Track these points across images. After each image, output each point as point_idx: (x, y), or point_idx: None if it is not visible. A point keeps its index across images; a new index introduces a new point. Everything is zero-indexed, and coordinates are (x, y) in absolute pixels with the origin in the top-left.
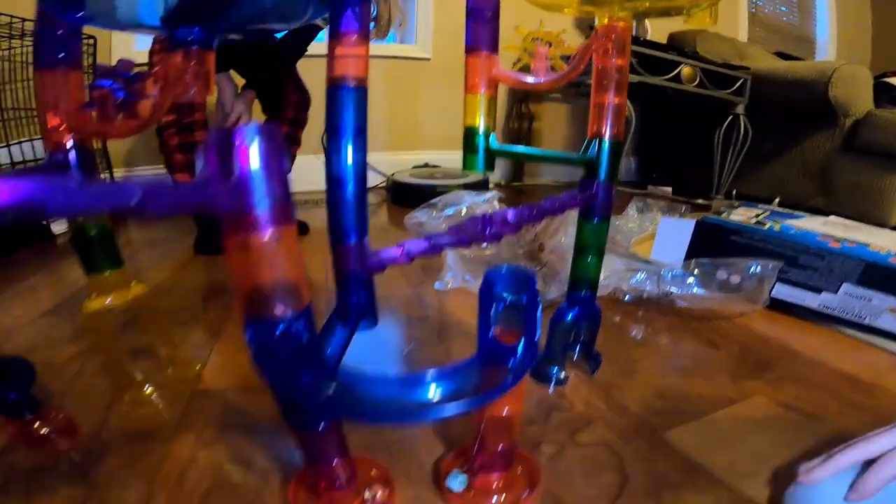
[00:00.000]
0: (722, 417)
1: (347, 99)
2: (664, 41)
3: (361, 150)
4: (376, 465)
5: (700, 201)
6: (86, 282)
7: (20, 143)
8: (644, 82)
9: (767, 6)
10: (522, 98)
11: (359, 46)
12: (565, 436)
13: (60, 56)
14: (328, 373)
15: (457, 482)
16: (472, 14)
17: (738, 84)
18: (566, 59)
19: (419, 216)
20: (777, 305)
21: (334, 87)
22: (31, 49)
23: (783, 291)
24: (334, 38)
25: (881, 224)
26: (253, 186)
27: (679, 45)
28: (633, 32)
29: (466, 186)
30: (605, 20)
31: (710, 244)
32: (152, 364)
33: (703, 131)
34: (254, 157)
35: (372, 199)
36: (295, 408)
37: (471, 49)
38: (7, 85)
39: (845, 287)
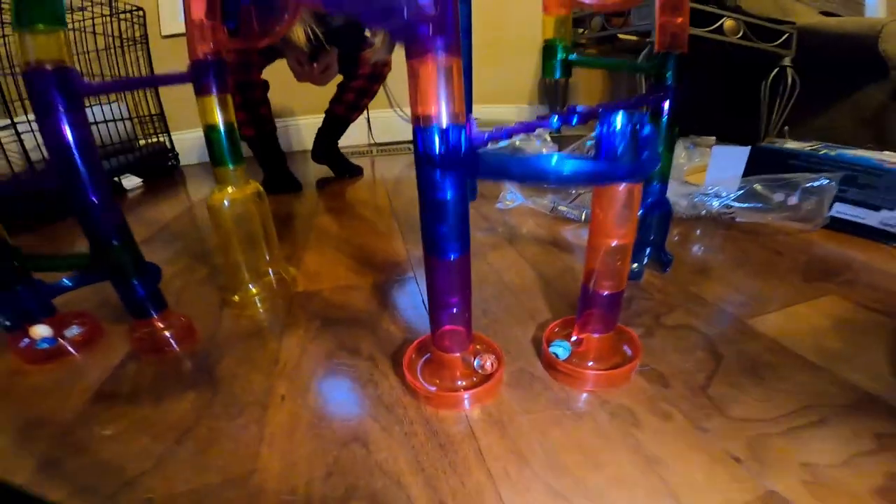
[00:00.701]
0: (802, 311)
1: None
2: None
3: None
4: (484, 339)
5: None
6: (166, 219)
7: (101, 104)
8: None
9: None
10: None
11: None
12: (650, 319)
13: None
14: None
15: (561, 349)
16: None
17: (784, 37)
18: None
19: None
20: (836, 225)
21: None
22: (97, 20)
23: (842, 210)
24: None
25: None
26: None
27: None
28: None
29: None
30: None
31: (767, 170)
32: (256, 264)
33: (749, 82)
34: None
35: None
36: (437, 224)
37: None
38: (81, 55)
39: None
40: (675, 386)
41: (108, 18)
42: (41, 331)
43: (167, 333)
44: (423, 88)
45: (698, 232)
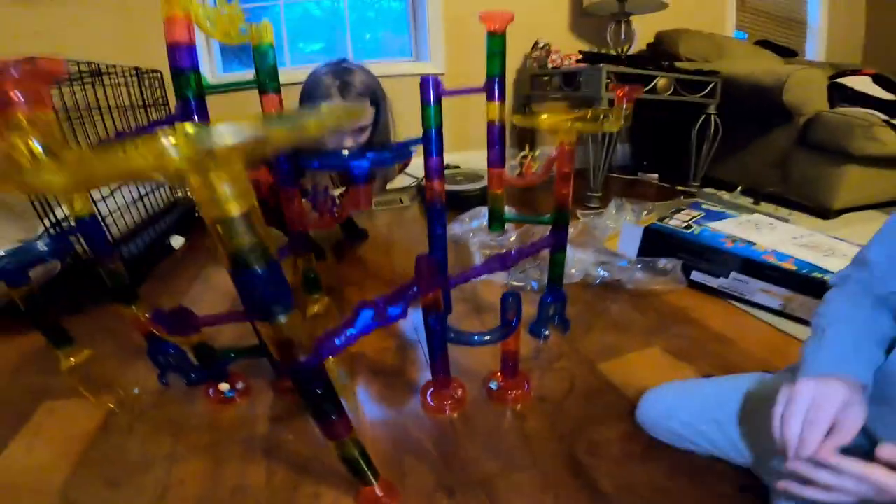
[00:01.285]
0: (632, 358)
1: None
2: (652, 39)
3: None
4: (456, 380)
5: (679, 187)
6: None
7: None
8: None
9: None
10: (526, 101)
11: None
12: (546, 365)
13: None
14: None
15: (494, 385)
16: (490, 145)
17: (709, 87)
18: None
19: (454, 228)
20: (694, 285)
21: None
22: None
23: (697, 275)
24: None
25: (826, 209)
26: None
27: (665, 44)
28: (622, 37)
29: (483, 190)
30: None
31: (654, 242)
32: None
33: (682, 127)
34: None
35: (406, 198)
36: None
37: (491, 166)
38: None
39: (733, 274)
40: (548, 401)
41: (131, 80)
42: (224, 387)
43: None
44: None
45: (600, 293)
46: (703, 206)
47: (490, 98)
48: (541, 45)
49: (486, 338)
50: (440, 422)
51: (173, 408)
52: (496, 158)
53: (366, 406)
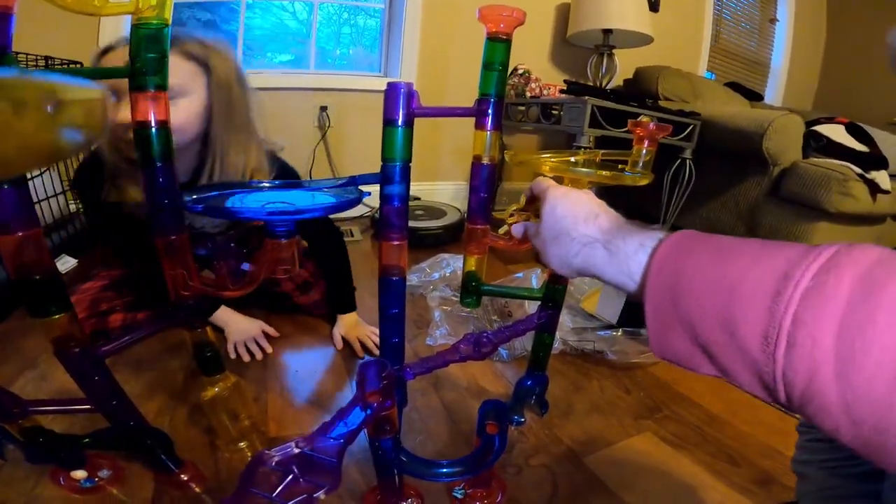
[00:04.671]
0: (622, 448)
1: None
2: (630, 74)
3: None
4: (413, 487)
5: None
6: None
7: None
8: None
9: (731, 34)
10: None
11: None
12: (522, 460)
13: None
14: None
15: (459, 493)
16: (472, 191)
17: (688, 130)
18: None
19: (412, 279)
20: None
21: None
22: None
23: None
24: None
25: None
26: None
27: (644, 80)
28: (603, 70)
29: (446, 228)
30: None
31: (637, 307)
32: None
33: (655, 172)
34: None
35: (357, 230)
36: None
37: (471, 222)
38: None
39: None
40: None
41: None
42: (80, 475)
43: (184, 477)
44: None
45: (581, 366)
46: None
47: (480, 125)
48: (520, 71)
49: (457, 469)
50: None
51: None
52: (480, 210)
53: None
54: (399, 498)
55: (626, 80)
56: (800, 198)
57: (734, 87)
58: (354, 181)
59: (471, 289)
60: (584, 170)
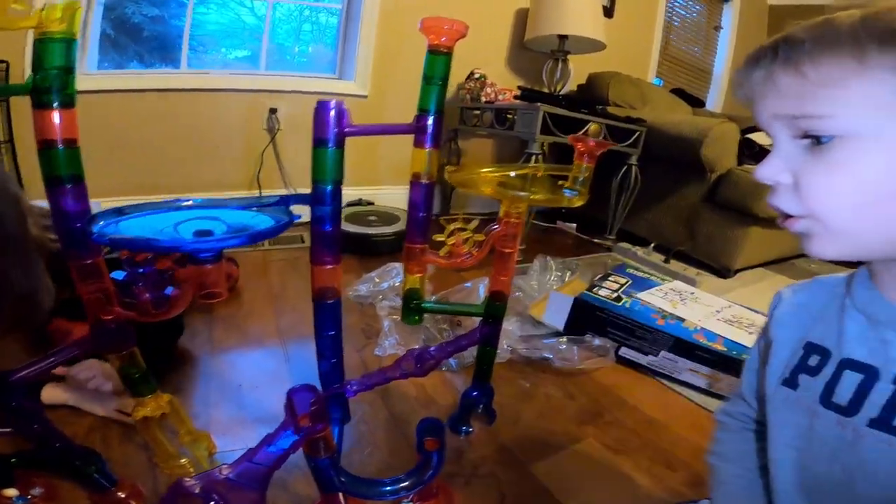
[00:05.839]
0: (566, 454)
1: None
2: (583, 80)
3: None
4: (361, 500)
5: (597, 240)
6: None
7: None
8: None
9: (679, 41)
10: (452, 135)
11: None
12: (470, 470)
13: None
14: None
15: None
16: (411, 209)
17: (634, 136)
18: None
19: (360, 289)
20: (623, 361)
21: None
22: None
23: (627, 352)
24: None
25: (727, 269)
26: None
27: (596, 86)
28: (557, 75)
29: (397, 235)
30: (504, 211)
31: (583, 314)
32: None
33: (603, 177)
34: None
35: (308, 236)
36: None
37: (409, 241)
38: None
39: (662, 353)
40: None
41: None
42: (11, 493)
43: (121, 495)
44: None
45: (527, 373)
46: (629, 271)
47: (419, 143)
48: (476, 75)
49: (403, 484)
50: None
51: None
52: (418, 229)
53: None
54: None
55: (579, 86)
56: (733, 204)
57: (679, 93)
58: (285, 201)
59: (412, 306)
60: (521, 193)
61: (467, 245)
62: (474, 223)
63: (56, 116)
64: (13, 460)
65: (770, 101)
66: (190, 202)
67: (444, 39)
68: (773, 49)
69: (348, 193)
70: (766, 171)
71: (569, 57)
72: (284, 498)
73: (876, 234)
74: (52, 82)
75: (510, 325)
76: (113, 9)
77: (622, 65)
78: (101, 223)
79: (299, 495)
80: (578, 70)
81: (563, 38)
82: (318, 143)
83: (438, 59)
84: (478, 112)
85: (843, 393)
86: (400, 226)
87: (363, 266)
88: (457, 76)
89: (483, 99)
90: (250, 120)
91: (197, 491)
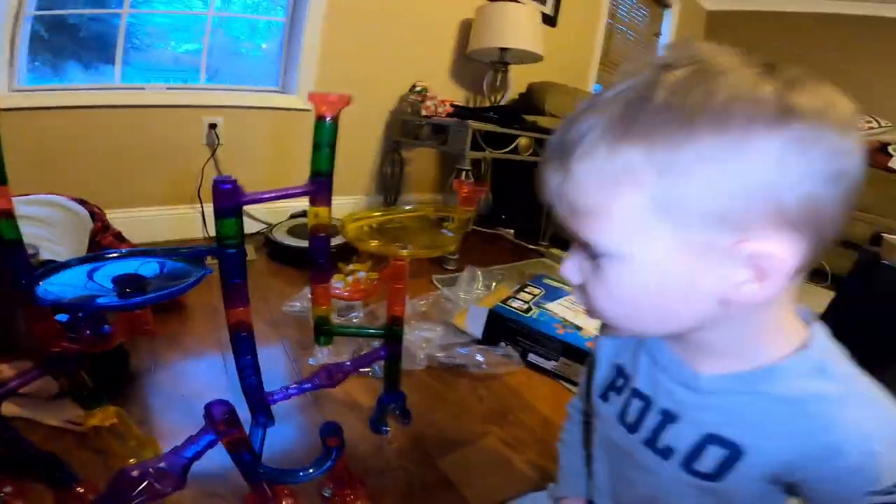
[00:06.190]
0: (470, 451)
1: None
2: (524, 88)
3: None
4: (288, 489)
5: (532, 246)
6: None
7: None
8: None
9: (619, 48)
10: (395, 146)
11: None
12: (384, 464)
13: None
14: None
15: (328, 492)
16: (313, 257)
17: None
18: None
19: (296, 305)
20: (531, 366)
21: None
22: None
23: (534, 358)
24: None
25: None
26: None
27: (534, 95)
28: (497, 85)
29: (336, 248)
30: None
31: (497, 324)
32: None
33: (536, 185)
34: None
35: (251, 249)
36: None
37: (314, 282)
38: None
39: (562, 358)
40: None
41: None
42: None
43: (80, 490)
44: None
45: (444, 377)
46: (545, 282)
47: (315, 202)
48: (418, 88)
49: (310, 471)
50: None
51: None
52: (320, 273)
53: None
54: (274, 500)
55: (521, 94)
56: None
57: None
58: (197, 253)
59: (322, 331)
60: (403, 252)
61: (363, 282)
62: (368, 263)
63: None
64: None
65: (559, 208)
66: (115, 254)
67: (329, 110)
68: (556, 156)
69: (293, 205)
70: (565, 271)
71: (511, 66)
72: (224, 489)
73: (651, 324)
74: None
75: (433, 334)
76: (48, 9)
77: (564, 71)
78: (44, 284)
79: (238, 486)
80: (521, 78)
81: (503, 49)
82: (219, 213)
83: (325, 126)
84: (418, 124)
85: (631, 414)
86: (339, 239)
87: (303, 278)
88: (400, 87)
89: (423, 112)
90: (189, 135)
91: (135, 474)
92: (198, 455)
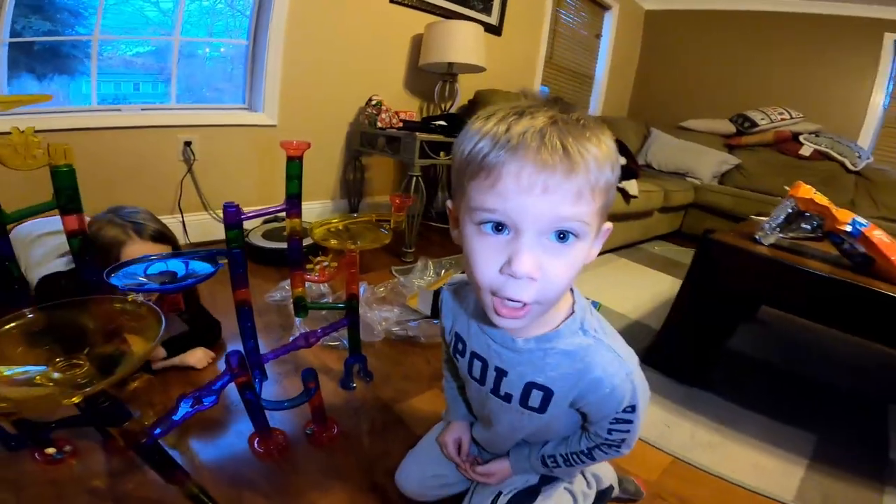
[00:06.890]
0: (418, 400)
1: None
2: (472, 96)
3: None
4: (277, 429)
5: None
6: None
7: None
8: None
9: (563, 51)
10: (357, 155)
11: None
12: (353, 410)
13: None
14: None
15: (310, 430)
16: (289, 253)
17: None
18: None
19: (276, 295)
20: None
21: None
22: None
23: None
24: None
25: None
26: None
27: (480, 103)
28: (446, 94)
29: (307, 248)
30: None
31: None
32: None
33: None
34: None
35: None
36: (253, 412)
37: (292, 270)
38: None
39: None
40: (353, 439)
41: None
42: (52, 450)
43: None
44: None
45: (399, 346)
46: None
47: (290, 215)
48: (374, 101)
49: (295, 400)
50: (267, 462)
51: (2, 469)
52: (296, 265)
53: (202, 454)
54: (270, 434)
55: (469, 101)
56: None
57: (556, 102)
58: (211, 253)
59: (300, 307)
60: (353, 246)
61: (327, 270)
62: (331, 256)
63: (74, 220)
64: (52, 425)
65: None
66: (154, 256)
67: (295, 152)
68: (560, 158)
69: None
70: (530, 268)
71: (460, 76)
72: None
73: (561, 294)
74: (68, 198)
75: (391, 314)
76: (19, 36)
77: (510, 77)
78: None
79: (241, 428)
80: (470, 86)
81: (451, 63)
82: (228, 227)
83: (294, 164)
84: (375, 135)
85: (475, 371)
86: (308, 240)
87: (279, 275)
88: (359, 100)
89: (379, 124)
90: (166, 153)
91: (188, 391)
92: (223, 386)
